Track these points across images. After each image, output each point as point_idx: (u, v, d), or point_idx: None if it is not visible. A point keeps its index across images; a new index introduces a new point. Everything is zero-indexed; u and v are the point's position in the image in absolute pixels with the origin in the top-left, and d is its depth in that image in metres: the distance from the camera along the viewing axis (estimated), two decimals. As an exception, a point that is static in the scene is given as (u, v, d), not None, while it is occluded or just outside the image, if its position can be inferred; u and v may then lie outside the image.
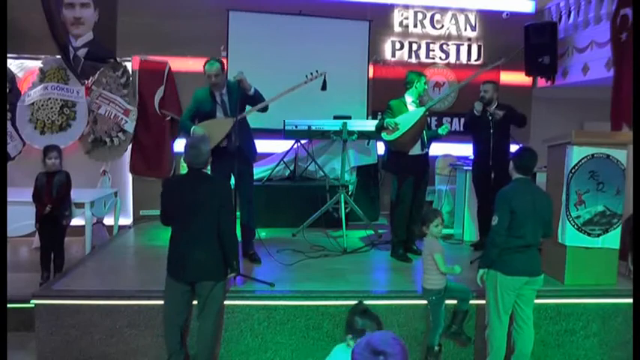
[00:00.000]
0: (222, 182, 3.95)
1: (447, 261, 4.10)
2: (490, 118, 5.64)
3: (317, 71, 5.15)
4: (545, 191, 4.11)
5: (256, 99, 4.97)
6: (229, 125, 4.77)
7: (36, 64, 7.17)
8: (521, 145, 4.07)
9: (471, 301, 4.16)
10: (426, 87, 5.51)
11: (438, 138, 5.69)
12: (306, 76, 5.11)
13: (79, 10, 7.08)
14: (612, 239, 4.55)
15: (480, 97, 5.75)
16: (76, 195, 5.62)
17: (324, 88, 5.27)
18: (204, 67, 4.96)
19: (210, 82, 4.93)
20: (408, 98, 5.37)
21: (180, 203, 3.68)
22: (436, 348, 4.08)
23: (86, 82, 7.16)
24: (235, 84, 4.86)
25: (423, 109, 5.28)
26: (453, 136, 6.94)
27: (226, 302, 4.09)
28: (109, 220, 6.96)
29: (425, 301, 4.15)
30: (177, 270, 3.70)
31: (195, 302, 3.88)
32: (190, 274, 3.68)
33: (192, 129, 4.87)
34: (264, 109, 5.07)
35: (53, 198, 5.27)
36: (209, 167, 5.27)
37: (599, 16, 7.23)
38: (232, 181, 4.95)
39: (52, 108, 7.01)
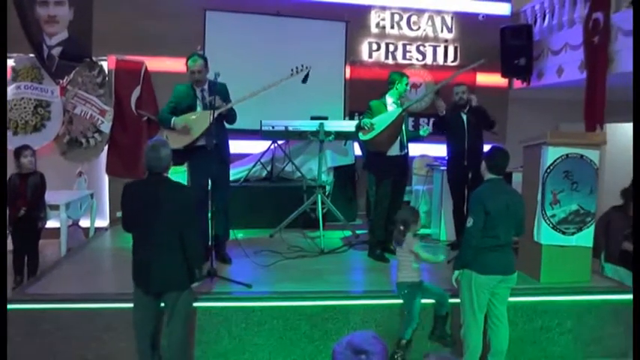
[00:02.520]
0: (183, 187, 3.70)
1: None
2: (465, 119, 5.70)
3: (302, 65, 5.11)
4: (517, 191, 4.16)
5: (230, 116, 4.95)
6: (209, 119, 4.66)
7: (8, 63, 7.05)
8: (492, 145, 4.11)
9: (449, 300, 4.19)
10: (407, 88, 5.49)
11: (418, 139, 5.72)
12: (292, 70, 5.09)
13: (53, 7, 7.00)
14: (586, 237, 4.63)
15: (457, 99, 5.79)
16: (51, 197, 5.54)
17: (304, 81, 5.24)
18: (186, 62, 4.89)
19: (193, 77, 4.88)
20: (389, 99, 5.37)
21: (141, 210, 3.55)
22: (403, 342, 4.06)
23: (61, 81, 7.08)
24: (216, 83, 4.75)
25: (399, 109, 5.29)
26: (430, 137, 6.96)
27: (203, 304, 4.07)
28: (85, 222, 6.87)
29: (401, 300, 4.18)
30: (142, 280, 3.59)
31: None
32: (155, 285, 3.56)
33: (172, 120, 4.80)
34: (232, 118, 4.98)
35: (28, 200, 5.19)
36: (185, 168, 5.25)
37: (573, 20, 7.34)
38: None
39: (25, 108, 6.91)
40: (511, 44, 7.81)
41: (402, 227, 4.13)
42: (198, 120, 4.81)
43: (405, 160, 5.53)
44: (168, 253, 3.51)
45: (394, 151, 5.34)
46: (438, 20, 8.41)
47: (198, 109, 4.92)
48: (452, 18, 8.45)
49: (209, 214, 4.92)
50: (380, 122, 5.20)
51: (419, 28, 8.38)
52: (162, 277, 3.52)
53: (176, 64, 7.38)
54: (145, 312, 3.66)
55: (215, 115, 4.65)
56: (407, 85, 5.43)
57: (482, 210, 3.72)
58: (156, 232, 3.49)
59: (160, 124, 4.94)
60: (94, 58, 7.22)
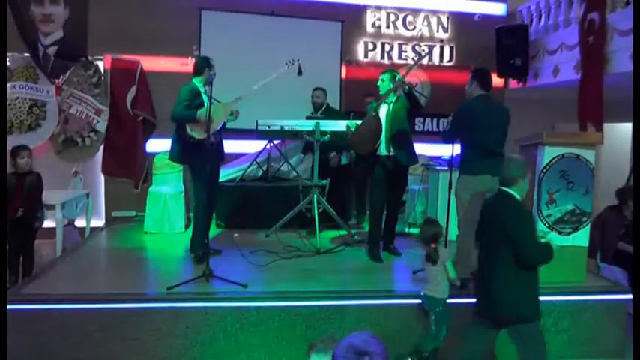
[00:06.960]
0: (513, 209, 3.39)
1: None
2: None
3: (292, 59, 5.34)
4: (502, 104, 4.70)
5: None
6: (223, 112, 4.96)
7: (3, 63, 7.05)
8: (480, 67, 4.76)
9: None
10: (387, 85, 5.27)
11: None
12: (286, 64, 5.23)
13: (48, 6, 6.98)
14: (582, 237, 4.64)
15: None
16: (46, 197, 5.53)
17: (300, 73, 5.32)
18: (209, 63, 5.07)
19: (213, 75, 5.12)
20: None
21: (481, 223, 3.59)
22: (425, 354, 3.98)
23: (57, 80, 7.06)
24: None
25: (372, 110, 5.24)
26: (426, 137, 7.00)
27: (199, 304, 4.07)
28: (80, 222, 6.85)
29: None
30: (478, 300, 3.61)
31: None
32: (493, 309, 3.45)
33: (197, 112, 4.88)
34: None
35: (24, 200, 5.16)
36: (180, 168, 5.27)
37: (569, 20, 7.35)
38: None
39: (20, 107, 6.89)
40: (507, 44, 7.81)
41: (432, 245, 4.03)
42: (216, 113, 4.90)
43: (393, 161, 5.31)
44: (503, 275, 3.35)
45: (382, 150, 5.29)
46: (433, 20, 8.41)
47: (206, 105, 4.96)
48: (447, 18, 8.45)
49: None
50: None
51: (414, 27, 8.37)
52: (504, 302, 3.35)
53: (171, 64, 7.41)
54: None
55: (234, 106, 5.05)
56: (388, 81, 5.26)
57: (459, 125, 4.50)
58: (490, 248, 3.46)
59: (180, 120, 4.93)
60: (89, 58, 7.21)
